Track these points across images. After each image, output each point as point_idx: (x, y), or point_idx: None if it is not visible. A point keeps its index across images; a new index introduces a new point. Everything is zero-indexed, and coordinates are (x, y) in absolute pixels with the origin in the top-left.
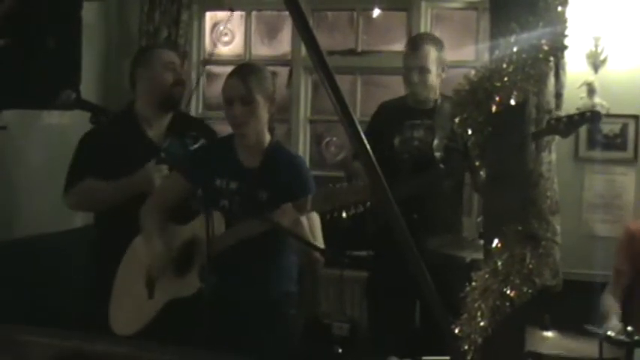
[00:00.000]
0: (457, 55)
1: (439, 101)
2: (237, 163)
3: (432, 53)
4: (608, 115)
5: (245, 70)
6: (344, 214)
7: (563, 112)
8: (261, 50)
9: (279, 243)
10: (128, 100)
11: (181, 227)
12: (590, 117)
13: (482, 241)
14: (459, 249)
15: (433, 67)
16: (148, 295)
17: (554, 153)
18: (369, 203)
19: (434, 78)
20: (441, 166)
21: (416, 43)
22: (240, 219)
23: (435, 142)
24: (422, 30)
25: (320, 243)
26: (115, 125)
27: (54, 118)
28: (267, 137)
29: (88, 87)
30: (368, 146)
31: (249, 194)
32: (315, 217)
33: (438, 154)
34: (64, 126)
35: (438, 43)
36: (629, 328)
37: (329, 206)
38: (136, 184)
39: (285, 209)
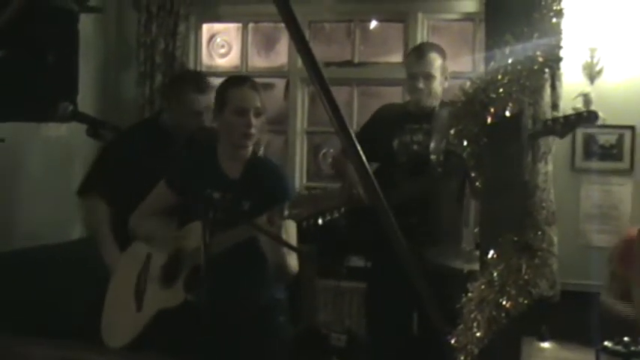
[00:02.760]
0: (454, 66)
1: (437, 106)
2: (220, 174)
3: (437, 61)
4: (605, 126)
5: (253, 82)
6: (319, 221)
7: None
8: (258, 62)
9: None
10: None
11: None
12: (587, 116)
13: (478, 252)
14: (458, 259)
15: (438, 75)
16: (136, 307)
17: (551, 164)
18: (343, 209)
19: (438, 85)
20: (439, 169)
21: (422, 50)
22: (224, 228)
23: (432, 145)
24: (418, 41)
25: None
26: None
27: (51, 130)
28: (250, 148)
29: (86, 99)
30: (364, 157)
31: (233, 204)
32: (291, 225)
33: (434, 157)
34: (62, 138)
35: (442, 52)
36: (625, 339)
37: (305, 212)
38: None
39: (270, 216)
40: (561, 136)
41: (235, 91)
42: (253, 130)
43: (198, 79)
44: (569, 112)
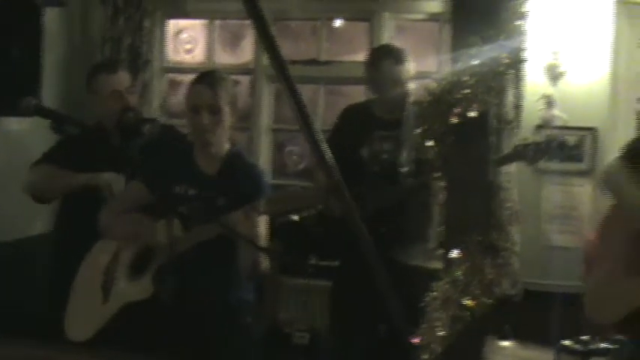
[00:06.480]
0: (419, 67)
1: (406, 110)
2: (197, 170)
3: (407, 63)
4: (566, 127)
5: (212, 78)
6: (295, 217)
7: (522, 124)
8: (224, 58)
9: (235, 249)
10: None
11: None
12: (556, 145)
13: (442, 251)
14: (428, 260)
15: (408, 78)
16: (102, 299)
17: (513, 164)
18: (320, 206)
19: (409, 87)
20: (410, 179)
21: (391, 55)
22: (198, 225)
23: (403, 155)
24: (384, 41)
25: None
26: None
27: (13, 124)
28: (227, 145)
29: (49, 93)
30: (329, 156)
31: (208, 201)
32: (262, 223)
33: (405, 169)
34: (24, 132)
35: (404, 54)
36: (583, 338)
37: (281, 209)
38: (89, 182)
39: (241, 213)
40: (531, 162)
41: (190, 88)
42: (207, 128)
43: (106, 62)
44: (532, 112)
